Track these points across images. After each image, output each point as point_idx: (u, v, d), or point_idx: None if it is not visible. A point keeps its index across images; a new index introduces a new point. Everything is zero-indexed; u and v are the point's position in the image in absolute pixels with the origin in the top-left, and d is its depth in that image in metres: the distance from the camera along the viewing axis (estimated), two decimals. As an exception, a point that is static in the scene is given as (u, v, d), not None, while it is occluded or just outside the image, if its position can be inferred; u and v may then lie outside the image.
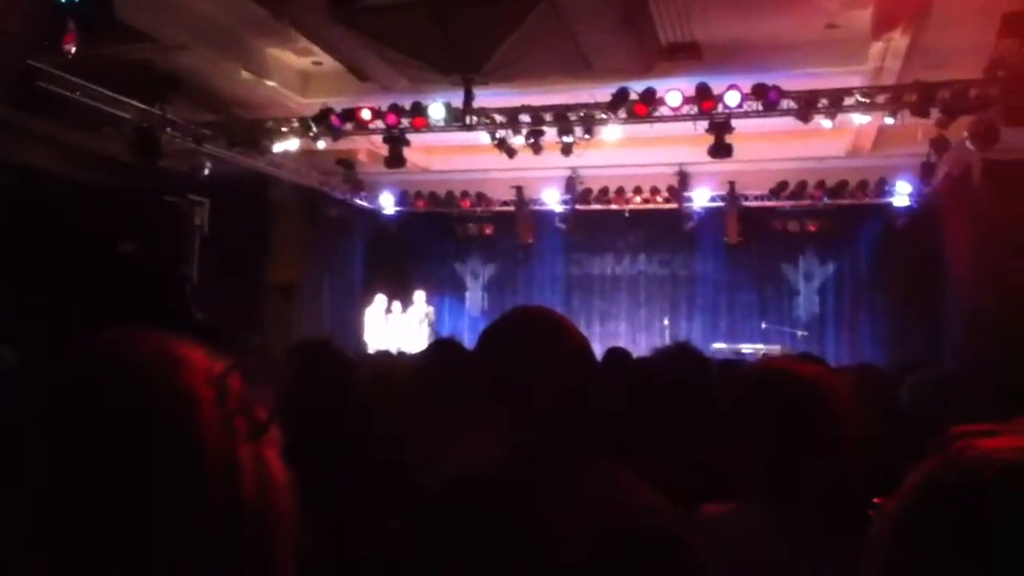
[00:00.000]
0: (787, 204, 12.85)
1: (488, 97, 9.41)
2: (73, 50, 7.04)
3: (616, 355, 4.32)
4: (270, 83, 9.60)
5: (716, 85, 8.89)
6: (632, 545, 1.40)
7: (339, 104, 9.84)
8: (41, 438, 0.68)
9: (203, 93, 9.48)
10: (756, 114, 9.02)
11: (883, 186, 12.14)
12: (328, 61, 9.45)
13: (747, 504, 1.82)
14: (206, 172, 10.48)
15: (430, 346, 3.09)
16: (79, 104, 8.31)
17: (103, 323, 0.77)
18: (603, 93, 9.20)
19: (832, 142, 11.17)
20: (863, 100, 8.81)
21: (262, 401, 0.77)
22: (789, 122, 9.31)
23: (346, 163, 11.99)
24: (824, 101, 8.85)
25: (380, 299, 12.98)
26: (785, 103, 8.89)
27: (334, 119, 9.78)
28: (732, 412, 1.88)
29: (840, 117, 9.08)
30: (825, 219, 12.99)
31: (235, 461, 0.72)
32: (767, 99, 8.83)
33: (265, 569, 0.73)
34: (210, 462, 0.70)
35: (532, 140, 9.90)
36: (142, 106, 9.06)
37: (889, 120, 8.99)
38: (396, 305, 13.13)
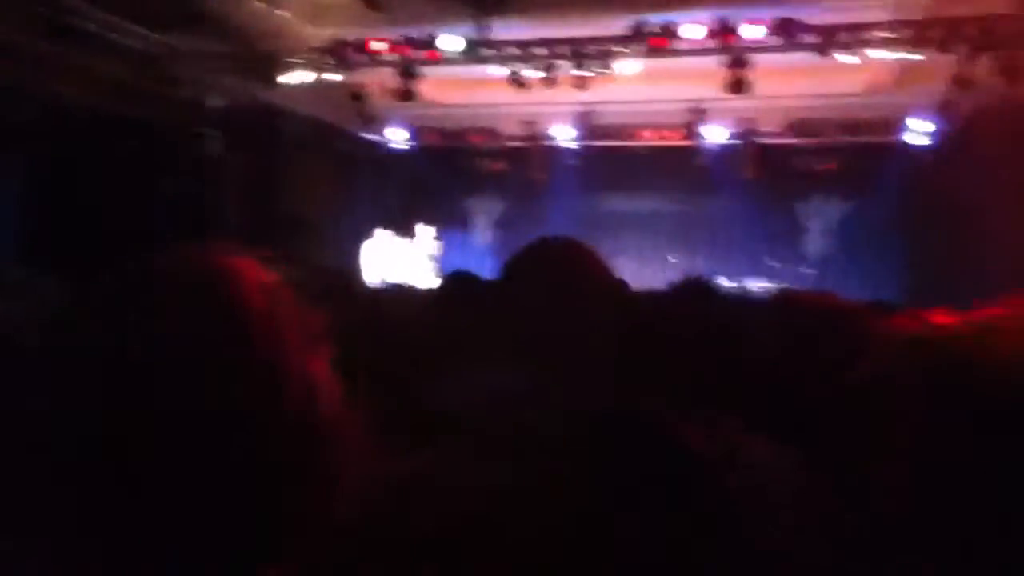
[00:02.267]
0: (804, 142, 12.68)
1: (502, 30, 9.24)
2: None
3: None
4: (282, 13, 9.45)
5: (735, 19, 8.70)
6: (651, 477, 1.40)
7: (352, 35, 9.69)
8: (103, 353, 0.69)
9: (214, 23, 9.34)
10: (776, 49, 8.84)
11: (903, 125, 11.95)
12: (341, -9, 9.27)
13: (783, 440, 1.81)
14: (218, 104, 10.40)
15: (446, 278, 3.09)
16: (96, 34, 8.20)
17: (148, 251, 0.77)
18: (620, 26, 9.02)
19: (852, 79, 10.96)
20: (886, 36, 8.62)
21: (313, 316, 0.78)
22: (808, 58, 9.13)
23: (358, 96, 11.84)
24: (847, 36, 8.66)
25: (381, 234, 12.88)
26: (806, 37, 8.71)
27: (347, 51, 9.65)
28: (742, 341, 1.87)
29: (861, 53, 8.89)
30: (843, 157, 12.82)
31: (282, 369, 0.73)
32: (788, 33, 8.64)
33: (311, 472, 0.75)
34: (255, 369, 0.72)
35: (546, 74, 9.75)
36: (155, 36, 8.93)
37: (913, 56, 8.81)
38: (403, 240, 13.07)
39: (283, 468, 0.73)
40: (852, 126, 12.15)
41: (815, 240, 13.41)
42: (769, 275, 12.44)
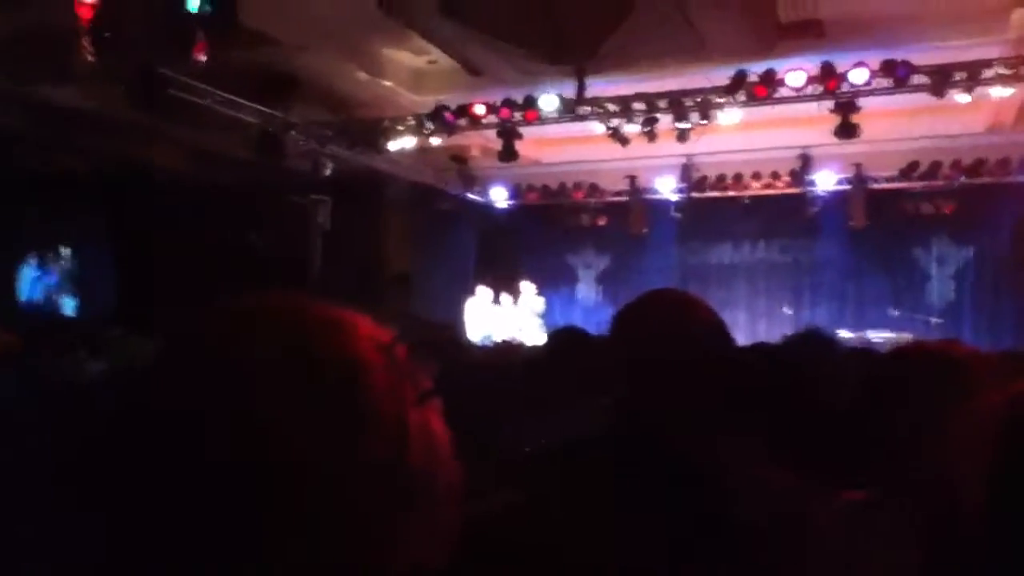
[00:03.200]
0: (918, 185, 12.20)
1: (600, 86, 9.31)
2: (204, 59, 7.37)
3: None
4: (386, 83, 9.79)
5: (840, 63, 8.52)
6: (754, 517, 1.37)
7: (452, 100, 9.94)
8: (204, 410, 0.67)
9: (321, 94, 9.76)
10: (885, 91, 8.59)
11: (1025, 163, 11.35)
12: (441, 59, 9.55)
13: (884, 493, 1.70)
14: (328, 172, 10.81)
15: (553, 333, 3.06)
16: (206, 108, 8.69)
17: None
18: (720, 76, 8.95)
19: (969, 118, 10.52)
20: (1004, 72, 8.26)
21: (424, 370, 0.77)
22: (920, 99, 8.84)
23: (459, 159, 12.13)
24: (961, 74, 8.34)
25: (483, 291, 12.96)
26: (917, 78, 8.43)
27: (448, 116, 9.90)
28: (873, 393, 1.77)
29: (978, 91, 8.55)
30: (961, 200, 12.24)
31: (404, 426, 0.72)
32: (896, 75, 8.39)
33: (429, 531, 0.73)
34: (382, 426, 0.70)
35: (646, 128, 9.74)
36: (266, 110, 9.39)
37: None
38: (506, 298, 13.11)
39: (406, 524, 0.71)
40: (970, 167, 11.60)
41: (939, 287, 12.78)
42: (892, 326, 11.84)
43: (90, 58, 7.03)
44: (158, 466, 0.67)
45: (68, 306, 13.94)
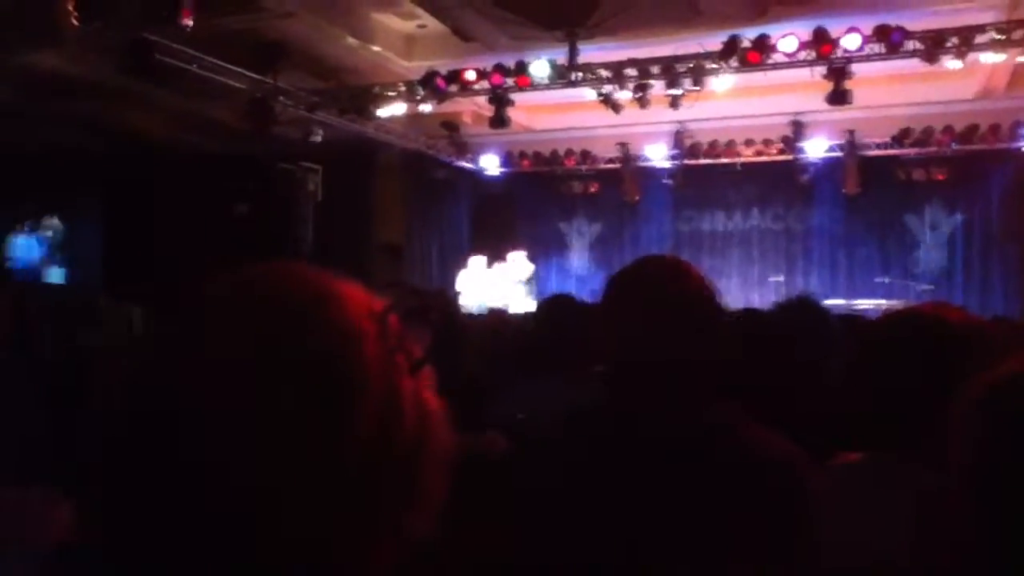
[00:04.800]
0: (911, 152, 12.18)
1: (592, 52, 9.23)
2: (191, 24, 7.26)
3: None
4: (375, 48, 9.68)
5: (833, 28, 8.46)
6: (749, 476, 1.39)
7: (443, 66, 9.84)
8: (201, 379, 0.68)
9: (310, 60, 9.65)
10: (878, 57, 8.54)
11: (1017, 130, 11.34)
12: (431, 24, 9.44)
13: (879, 453, 1.72)
14: (318, 139, 10.73)
15: (545, 300, 3.07)
16: (194, 74, 8.58)
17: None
18: (712, 42, 8.89)
19: (961, 84, 10.48)
20: (997, 37, 8.21)
21: (416, 338, 0.77)
22: (913, 65, 8.79)
23: (451, 125, 12.05)
24: (953, 40, 8.29)
25: (477, 260, 12.93)
26: (909, 44, 8.38)
27: (439, 81, 9.80)
28: (866, 357, 1.77)
29: (970, 57, 8.50)
30: (953, 167, 12.24)
31: (397, 394, 0.72)
32: (890, 41, 8.33)
33: (421, 498, 0.74)
34: (375, 395, 0.70)
35: (639, 94, 9.67)
36: (255, 76, 9.28)
37: (1027, 57, 8.38)
38: (499, 266, 13.08)
39: (399, 491, 0.72)
40: (963, 133, 11.58)
41: (931, 254, 12.80)
42: (885, 293, 11.88)
43: (75, 22, 6.93)
44: (149, 465, 0.67)
45: (57, 275, 13.90)
